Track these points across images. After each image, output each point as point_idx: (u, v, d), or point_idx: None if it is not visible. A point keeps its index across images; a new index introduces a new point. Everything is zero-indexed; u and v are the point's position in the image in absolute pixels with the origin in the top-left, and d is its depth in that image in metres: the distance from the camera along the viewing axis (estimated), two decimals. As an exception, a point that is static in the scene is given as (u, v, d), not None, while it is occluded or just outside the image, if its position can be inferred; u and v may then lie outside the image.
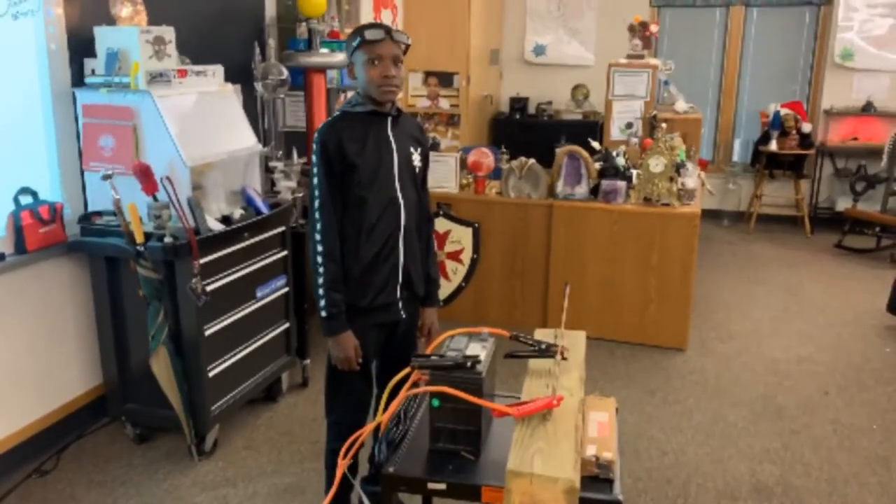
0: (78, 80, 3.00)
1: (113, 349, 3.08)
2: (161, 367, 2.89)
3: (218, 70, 3.25)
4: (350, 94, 4.45)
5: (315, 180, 2.21)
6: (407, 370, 1.82)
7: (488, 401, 1.78)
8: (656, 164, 4.12)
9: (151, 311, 2.87)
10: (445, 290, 4.56)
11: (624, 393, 3.70)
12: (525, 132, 7.20)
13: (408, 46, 2.25)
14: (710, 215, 7.07)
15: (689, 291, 4.17)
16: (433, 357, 1.80)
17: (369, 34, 2.16)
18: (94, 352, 3.16)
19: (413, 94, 6.65)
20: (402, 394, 1.79)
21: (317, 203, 2.21)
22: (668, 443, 3.26)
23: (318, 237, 2.21)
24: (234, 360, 3.13)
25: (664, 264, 4.15)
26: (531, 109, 7.52)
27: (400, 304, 2.40)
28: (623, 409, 3.50)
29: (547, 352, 1.95)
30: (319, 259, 2.21)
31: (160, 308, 2.86)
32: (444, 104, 6.62)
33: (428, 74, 6.62)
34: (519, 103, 7.48)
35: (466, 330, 1.97)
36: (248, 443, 3.21)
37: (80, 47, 2.99)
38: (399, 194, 2.30)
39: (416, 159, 2.38)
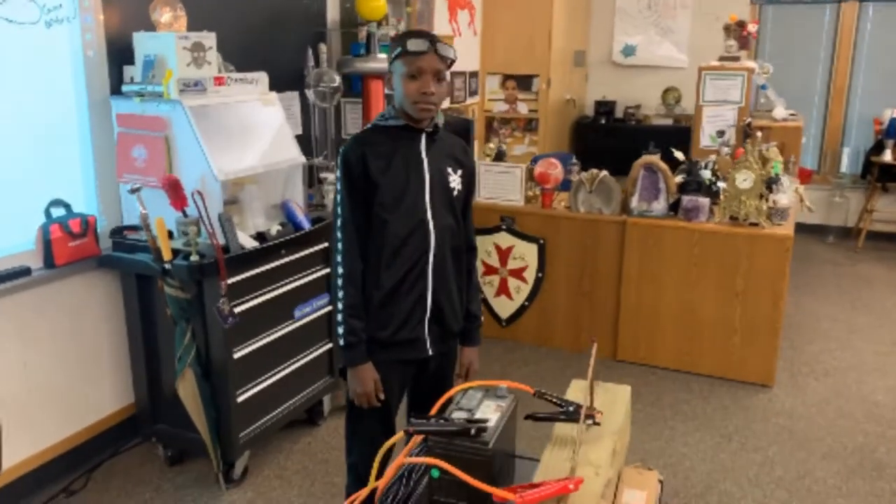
0: (116, 88, 2.90)
1: (144, 368, 2.96)
2: (187, 391, 2.74)
3: (262, 78, 3.09)
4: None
5: (339, 197, 2.04)
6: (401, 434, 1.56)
7: (498, 472, 1.50)
8: (744, 179, 3.70)
9: (178, 332, 2.73)
10: (507, 309, 4.28)
11: (697, 436, 3.32)
12: (610, 138, 6.81)
13: (452, 62, 2.02)
14: (812, 230, 6.48)
15: (779, 322, 3.73)
16: (434, 419, 1.54)
17: (411, 45, 1.95)
18: (125, 370, 3.06)
19: (490, 97, 6.41)
20: (397, 462, 1.53)
21: (339, 222, 2.03)
22: (743, 499, 2.87)
23: (338, 258, 2.03)
24: (267, 383, 2.95)
25: (751, 291, 3.72)
26: (618, 113, 7.11)
27: (427, 341, 2.14)
28: (693, 456, 3.14)
29: (575, 415, 1.65)
30: (339, 282, 2.03)
31: (187, 329, 2.72)
32: (522, 108, 6.35)
33: (506, 77, 6.36)
34: (605, 107, 7.09)
35: (482, 383, 1.70)
36: (281, 471, 3.03)
37: (120, 54, 2.89)
38: (429, 218, 2.05)
39: (455, 181, 2.12)
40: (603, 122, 7.04)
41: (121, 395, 3.10)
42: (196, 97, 2.77)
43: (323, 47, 3.64)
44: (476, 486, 1.38)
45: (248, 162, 2.89)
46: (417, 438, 1.62)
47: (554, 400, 1.70)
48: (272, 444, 3.18)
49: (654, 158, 3.88)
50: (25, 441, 2.76)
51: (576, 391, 1.85)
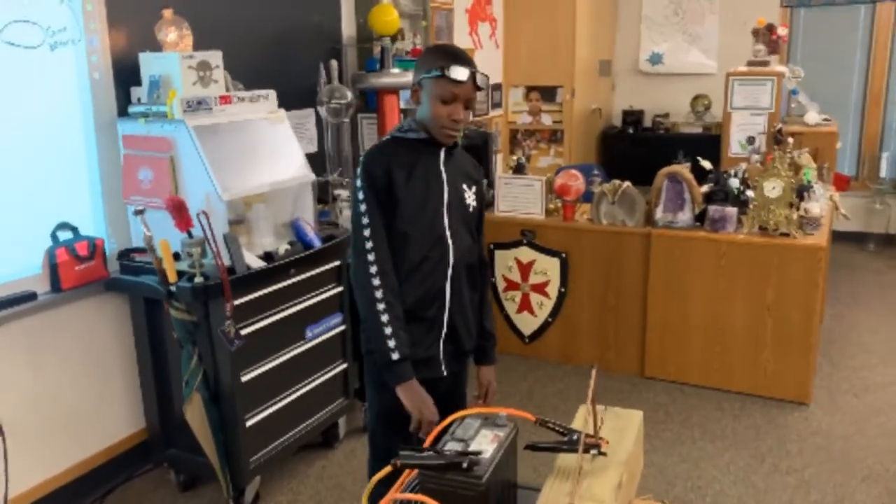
0: (124, 109, 2.88)
1: (154, 392, 2.92)
2: (195, 415, 2.69)
3: (270, 95, 3.05)
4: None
5: (363, 207, 1.93)
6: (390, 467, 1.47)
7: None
8: (773, 187, 3.55)
9: (185, 356, 2.68)
10: (530, 325, 4.17)
11: (727, 456, 3.17)
12: (638, 147, 6.67)
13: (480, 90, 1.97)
14: (851, 238, 6.26)
15: (814, 336, 3.55)
16: (426, 452, 1.44)
17: (454, 73, 1.88)
18: (137, 394, 3.02)
19: (514, 109, 6.32)
20: (388, 497, 1.44)
21: (367, 232, 1.93)
22: (776, 526, 2.72)
23: (372, 270, 1.92)
24: (277, 406, 2.89)
25: (782, 303, 3.56)
26: (647, 122, 6.96)
27: (442, 360, 2.07)
28: (723, 479, 2.99)
29: (577, 444, 1.54)
30: (378, 294, 1.91)
31: (194, 352, 2.67)
32: (547, 120, 6.25)
33: (529, 89, 6.27)
34: (632, 116, 6.95)
35: (481, 410, 1.61)
36: (294, 496, 2.96)
37: (127, 75, 2.87)
38: (448, 233, 2.00)
39: (470, 197, 2.08)
40: (631, 131, 6.90)
41: (133, 420, 3.06)
42: (200, 117, 2.73)
43: (334, 63, 3.59)
44: (461, 525, 1.28)
45: (255, 181, 2.84)
46: (412, 471, 1.53)
47: (557, 428, 1.59)
48: (285, 469, 3.11)
49: (678, 168, 3.75)
50: (35, 467, 2.73)
51: (582, 417, 1.74)
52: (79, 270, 2.71)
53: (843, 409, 3.56)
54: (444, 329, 2.04)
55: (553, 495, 1.43)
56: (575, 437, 1.55)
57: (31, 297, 2.59)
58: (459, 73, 1.87)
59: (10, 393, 2.62)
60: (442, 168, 2.01)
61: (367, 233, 1.92)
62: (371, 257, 1.92)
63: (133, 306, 2.90)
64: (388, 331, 1.91)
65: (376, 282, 1.92)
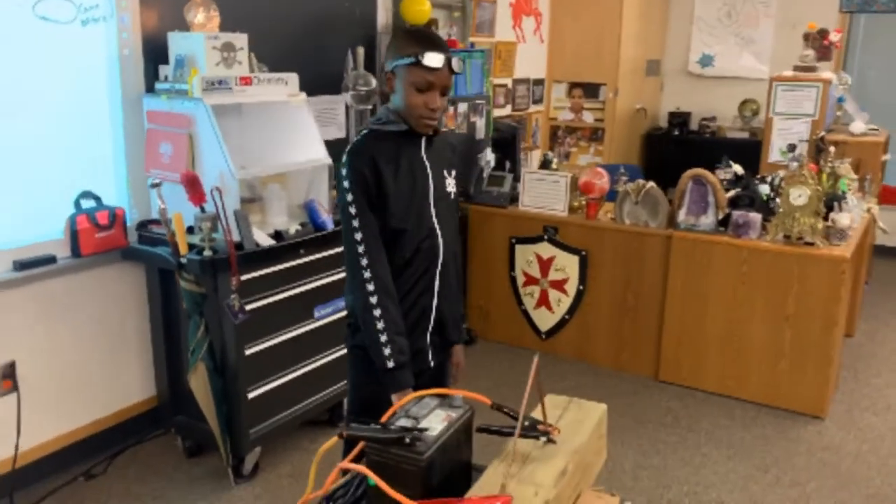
0: (152, 86, 2.99)
1: (164, 359, 3.03)
2: (199, 384, 2.79)
3: (292, 78, 3.12)
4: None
5: (353, 209, 1.85)
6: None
7: (440, 483, 1.44)
8: (798, 195, 3.46)
9: (192, 326, 2.78)
10: (548, 321, 4.17)
11: (730, 465, 3.12)
12: (682, 150, 6.55)
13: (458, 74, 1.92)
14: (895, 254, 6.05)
15: (833, 349, 3.46)
16: (374, 425, 1.48)
17: (429, 60, 1.80)
18: (150, 362, 3.14)
19: (556, 105, 6.30)
20: (337, 468, 1.48)
21: (358, 236, 1.86)
22: (769, 537, 2.67)
23: (367, 274, 1.86)
24: (281, 381, 2.97)
25: (802, 314, 3.48)
26: (693, 125, 6.85)
27: (430, 352, 2.05)
28: (721, 486, 2.95)
29: (532, 430, 1.56)
30: (374, 299, 1.85)
31: (201, 323, 2.76)
32: (588, 117, 6.20)
33: (572, 86, 6.23)
34: (678, 118, 6.84)
35: (440, 391, 1.63)
36: (293, 470, 3.04)
37: (157, 53, 2.98)
38: (437, 226, 1.96)
39: (451, 184, 2.03)
40: (676, 133, 6.80)
41: (145, 386, 3.18)
42: (220, 96, 2.82)
43: (361, 50, 3.65)
44: (390, 494, 1.31)
45: (270, 161, 2.92)
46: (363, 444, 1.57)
47: (511, 413, 1.61)
48: (288, 442, 3.19)
49: (703, 171, 3.70)
50: (48, 423, 2.87)
51: (548, 406, 1.76)
52: (98, 238, 2.83)
53: (859, 425, 3.47)
54: (433, 321, 2.01)
55: (493, 477, 1.45)
56: (527, 422, 1.58)
57: (51, 260, 2.72)
58: (434, 59, 1.79)
59: (27, 350, 2.76)
60: (424, 158, 1.95)
61: (358, 236, 1.86)
62: (365, 261, 1.86)
63: (148, 276, 3.01)
64: (383, 338, 1.86)
65: (370, 286, 1.86)
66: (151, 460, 3.07)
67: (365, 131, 1.95)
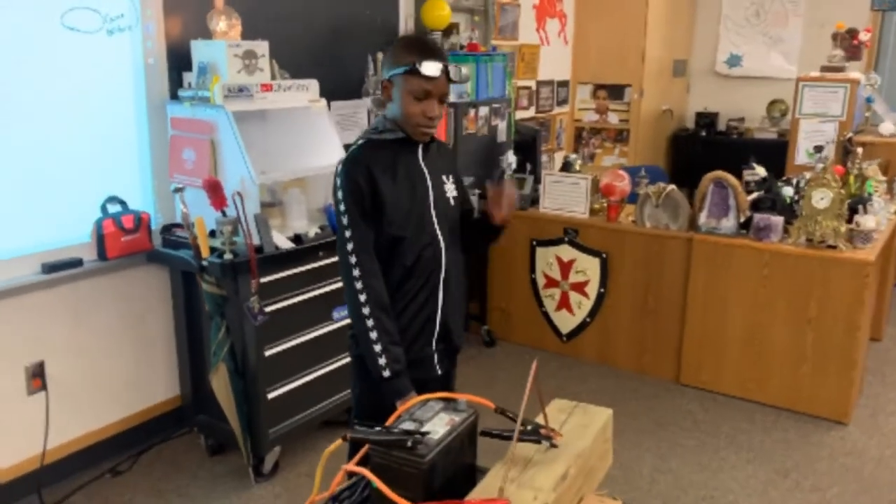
0: (176, 93, 3.06)
1: (188, 359, 3.11)
2: (220, 384, 2.85)
3: (312, 85, 3.17)
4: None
5: (346, 220, 1.86)
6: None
7: (443, 486, 1.47)
8: (821, 197, 3.43)
9: (214, 327, 2.84)
10: (569, 324, 4.17)
11: (749, 469, 3.10)
12: (710, 151, 6.49)
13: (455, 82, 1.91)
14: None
15: (857, 353, 3.42)
16: (377, 429, 1.52)
17: (426, 69, 1.80)
18: (175, 362, 3.22)
19: (580, 107, 6.29)
20: (342, 470, 1.52)
21: (349, 246, 1.87)
22: (786, 543, 2.66)
23: (358, 285, 1.87)
24: (300, 382, 3.03)
25: (824, 318, 3.44)
26: (720, 126, 6.78)
27: (435, 359, 2.06)
28: (740, 491, 2.94)
29: (534, 434, 1.58)
30: (366, 311, 1.86)
31: (222, 324, 2.83)
32: (613, 119, 6.19)
33: (597, 87, 6.22)
34: (706, 119, 6.79)
35: (445, 395, 1.66)
36: (312, 469, 3.09)
37: (180, 61, 3.05)
38: (438, 233, 1.97)
39: (451, 189, 2.04)
40: (703, 134, 6.74)
41: (170, 386, 3.26)
42: (241, 102, 2.88)
43: (381, 56, 3.69)
44: (390, 497, 1.35)
45: (289, 166, 2.97)
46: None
47: (514, 417, 1.64)
48: (308, 442, 3.24)
49: (724, 174, 3.67)
50: (75, 421, 2.96)
51: (553, 410, 1.78)
52: (124, 241, 2.91)
53: (884, 430, 3.42)
54: (437, 329, 2.01)
55: (494, 480, 1.48)
56: (529, 427, 1.60)
57: (78, 263, 2.81)
58: (431, 68, 1.79)
59: (56, 350, 2.85)
60: (423, 165, 1.95)
61: (349, 247, 1.86)
62: (356, 272, 1.87)
63: (172, 278, 3.09)
64: (377, 348, 1.87)
65: (362, 297, 1.87)
66: (176, 458, 3.15)
67: (361, 141, 1.94)
